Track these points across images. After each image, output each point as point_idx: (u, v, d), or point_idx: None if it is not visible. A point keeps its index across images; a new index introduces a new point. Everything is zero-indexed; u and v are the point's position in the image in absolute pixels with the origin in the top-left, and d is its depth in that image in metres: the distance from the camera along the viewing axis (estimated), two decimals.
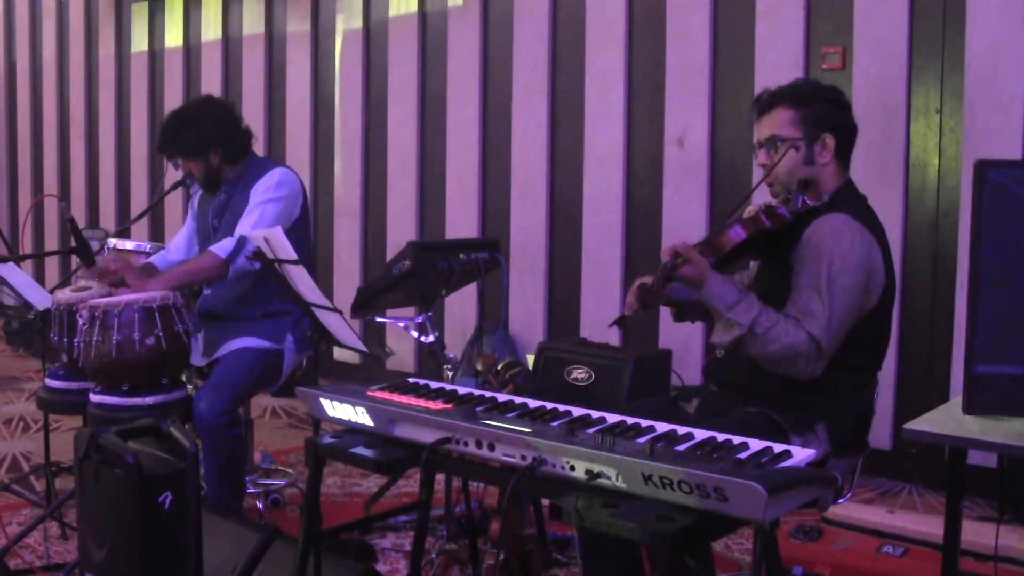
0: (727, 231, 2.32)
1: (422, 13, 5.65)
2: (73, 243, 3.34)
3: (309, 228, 3.62)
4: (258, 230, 3.20)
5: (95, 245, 3.46)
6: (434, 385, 2.24)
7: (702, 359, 4.50)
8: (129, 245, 4.18)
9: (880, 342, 2.47)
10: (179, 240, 3.75)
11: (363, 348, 3.08)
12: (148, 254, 3.85)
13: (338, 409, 2.14)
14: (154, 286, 3.21)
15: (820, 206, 2.41)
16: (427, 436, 1.97)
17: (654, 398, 2.72)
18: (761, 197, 2.57)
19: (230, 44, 6.69)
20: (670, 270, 2.23)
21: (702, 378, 2.73)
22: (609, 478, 1.68)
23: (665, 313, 4.30)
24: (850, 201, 2.45)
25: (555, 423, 1.95)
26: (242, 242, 3.29)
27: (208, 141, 3.45)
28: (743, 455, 1.72)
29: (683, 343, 4.46)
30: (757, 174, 2.56)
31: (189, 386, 3.30)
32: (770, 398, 2.36)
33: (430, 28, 5.64)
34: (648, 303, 2.33)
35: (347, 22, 5.99)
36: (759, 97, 2.53)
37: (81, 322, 3.05)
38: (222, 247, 3.33)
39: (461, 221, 5.51)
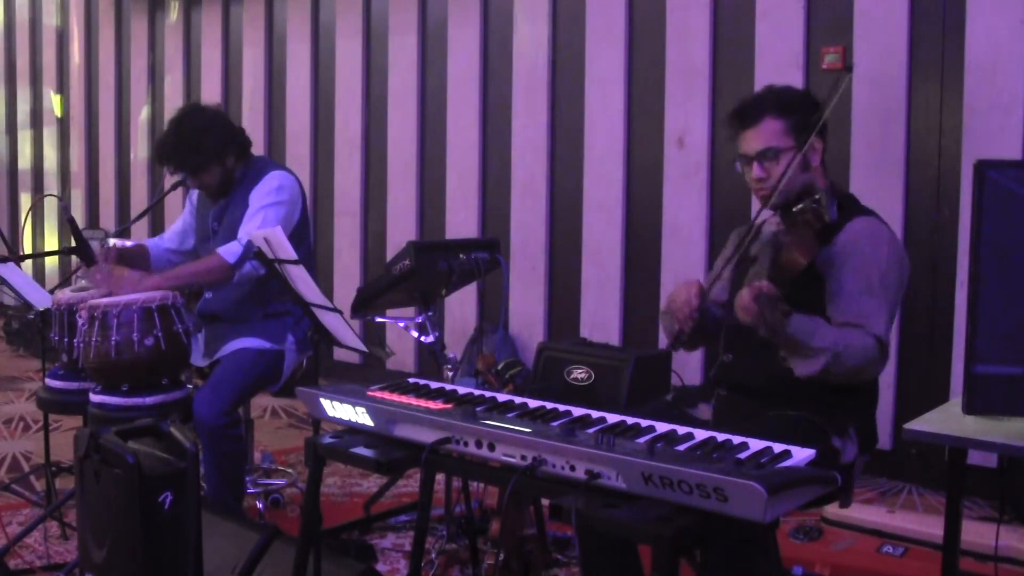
0: (794, 256, 2.20)
1: (422, 13, 5.65)
2: (73, 243, 3.33)
3: (308, 230, 3.62)
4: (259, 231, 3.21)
5: (95, 245, 3.45)
6: (434, 385, 2.24)
7: (703, 359, 4.50)
8: (129, 245, 4.17)
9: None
10: (174, 229, 3.74)
11: (363, 348, 3.08)
12: None
13: (338, 409, 2.14)
14: (155, 283, 3.20)
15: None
16: (427, 436, 1.96)
17: (655, 404, 2.69)
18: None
19: (230, 44, 6.69)
20: (777, 318, 2.08)
21: (702, 379, 2.72)
22: (609, 478, 1.68)
23: None
24: (855, 202, 2.47)
25: (555, 423, 1.94)
26: (249, 247, 3.28)
27: (221, 147, 3.42)
28: (743, 455, 1.72)
29: None
30: None
31: (189, 386, 3.30)
32: (797, 401, 2.33)
33: (430, 28, 5.64)
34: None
35: (347, 22, 5.99)
36: (741, 110, 2.46)
37: (81, 322, 3.05)
38: (230, 251, 3.31)
39: (461, 221, 5.51)
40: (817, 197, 2.22)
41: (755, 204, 2.47)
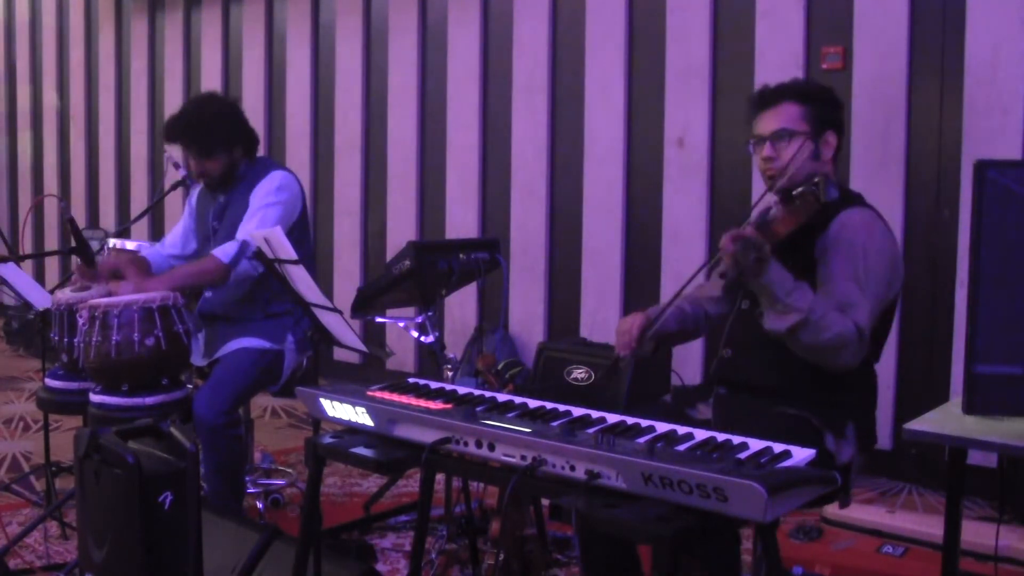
0: (781, 219, 2.24)
1: (422, 13, 5.65)
2: (73, 243, 3.33)
3: (308, 230, 3.62)
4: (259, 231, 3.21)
5: (95, 245, 3.45)
6: (434, 385, 2.24)
7: (703, 359, 4.50)
8: (130, 245, 4.18)
9: (885, 335, 2.49)
10: (175, 235, 3.74)
11: (363, 348, 3.08)
12: None
13: (338, 409, 2.14)
14: (154, 286, 3.21)
15: (837, 200, 2.40)
16: (427, 436, 1.97)
17: (655, 405, 2.68)
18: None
19: (230, 44, 6.69)
20: (757, 250, 2.14)
21: (702, 379, 2.71)
22: (609, 478, 1.68)
23: None
24: (859, 197, 2.48)
25: (555, 423, 1.95)
26: (244, 246, 3.29)
27: (232, 135, 3.44)
28: (743, 455, 1.72)
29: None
30: (757, 173, 2.55)
31: (189, 386, 3.30)
32: (796, 397, 2.33)
33: (430, 27, 5.64)
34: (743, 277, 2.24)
35: (347, 22, 5.99)
36: (762, 92, 2.51)
37: (81, 322, 3.05)
38: (225, 251, 3.32)
39: (461, 221, 5.51)
40: (816, 180, 2.24)
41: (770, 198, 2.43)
